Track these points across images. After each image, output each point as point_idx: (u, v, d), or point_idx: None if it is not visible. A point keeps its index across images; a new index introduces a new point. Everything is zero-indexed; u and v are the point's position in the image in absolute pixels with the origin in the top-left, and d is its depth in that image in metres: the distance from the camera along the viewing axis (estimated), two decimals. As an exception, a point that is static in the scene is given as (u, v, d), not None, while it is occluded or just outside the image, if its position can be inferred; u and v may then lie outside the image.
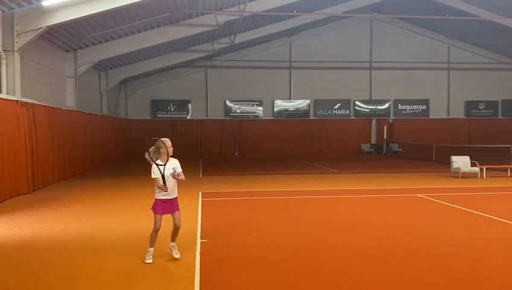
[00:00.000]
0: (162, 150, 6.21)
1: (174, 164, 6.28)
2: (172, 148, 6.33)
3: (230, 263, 6.24)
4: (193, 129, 31.14)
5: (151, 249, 6.27)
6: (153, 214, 6.30)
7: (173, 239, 6.42)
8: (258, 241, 7.47)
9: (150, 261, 6.16)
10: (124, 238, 7.82)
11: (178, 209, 6.34)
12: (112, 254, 6.79)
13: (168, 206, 6.27)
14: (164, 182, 6.13)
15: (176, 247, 6.39)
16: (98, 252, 6.90)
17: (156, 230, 6.25)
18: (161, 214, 6.26)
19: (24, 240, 7.66)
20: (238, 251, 6.82)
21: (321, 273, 5.81)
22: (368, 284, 5.41)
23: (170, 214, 6.31)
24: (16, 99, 12.83)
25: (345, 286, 5.42)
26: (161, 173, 6.14)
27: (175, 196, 6.32)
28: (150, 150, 6.30)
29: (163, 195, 6.23)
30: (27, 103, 13.46)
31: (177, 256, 6.31)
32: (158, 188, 6.21)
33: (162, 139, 6.25)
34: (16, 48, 13.25)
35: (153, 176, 6.22)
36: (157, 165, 6.20)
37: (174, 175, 6.20)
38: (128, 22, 18.15)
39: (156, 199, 6.28)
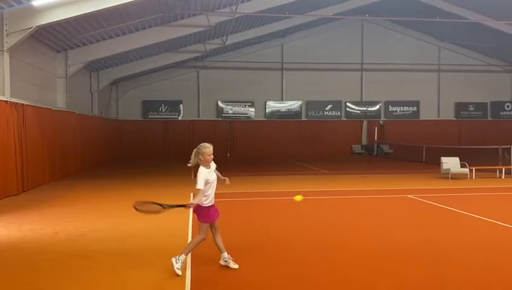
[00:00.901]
0: (201, 157, 5.69)
1: (214, 167, 5.89)
2: (212, 156, 5.77)
3: (228, 254, 6.22)
4: (185, 130, 31.07)
5: (184, 257, 5.77)
6: (198, 222, 5.86)
7: (223, 249, 5.94)
8: (250, 241, 7.48)
9: (180, 272, 5.67)
10: (114, 239, 7.79)
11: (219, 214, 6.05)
12: (102, 255, 6.75)
13: (214, 213, 5.88)
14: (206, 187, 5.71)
15: (230, 257, 5.95)
16: (89, 253, 6.86)
17: (203, 240, 5.81)
18: (213, 221, 5.87)
19: (13, 242, 7.59)
20: (230, 252, 6.81)
21: (313, 274, 5.84)
22: (359, 285, 5.45)
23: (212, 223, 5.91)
24: (5, 99, 12.71)
25: (337, 287, 5.45)
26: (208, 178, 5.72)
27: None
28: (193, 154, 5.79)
29: (209, 202, 5.78)
30: (17, 103, 13.35)
31: (236, 266, 5.89)
32: (197, 201, 5.64)
33: (205, 144, 5.76)
34: (5, 48, 13.14)
35: (200, 186, 5.60)
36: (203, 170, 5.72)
37: (224, 180, 5.94)
38: (119, 22, 18.08)
39: (203, 207, 5.75)
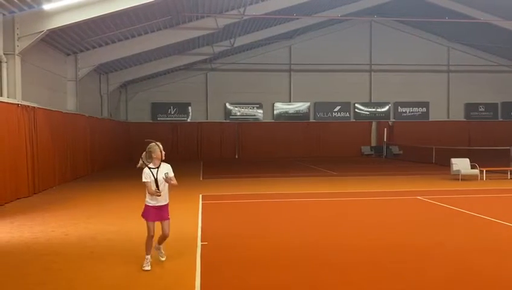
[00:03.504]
0: (153, 155, 6.02)
1: (166, 169, 6.12)
2: (164, 152, 6.13)
3: (231, 266, 6.25)
4: (193, 132, 31.19)
5: (148, 257, 6.13)
6: (144, 221, 6.20)
7: (160, 242, 6.37)
8: (258, 243, 7.48)
9: (149, 267, 6.03)
10: (124, 241, 7.83)
11: (168, 219, 6.23)
12: (113, 257, 6.80)
13: (159, 213, 6.12)
14: (157, 186, 5.98)
15: (161, 248, 6.38)
16: (99, 255, 6.91)
17: (150, 237, 6.13)
18: (153, 221, 6.15)
19: (25, 243, 7.67)
20: (239, 254, 6.83)
21: (321, 276, 5.83)
22: (368, 288, 5.43)
23: (159, 222, 6.18)
24: (16, 102, 12.85)
25: (345, 288, 5.43)
26: (154, 176, 5.97)
27: (166, 203, 6.20)
28: (142, 155, 6.10)
29: (154, 201, 6.07)
30: (28, 106, 13.49)
31: (163, 258, 6.35)
32: (150, 193, 6.04)
33: (152, 143, 6.11)
34: (16, 52, 13.29)
35: (144, 179, 6.02)
36: (149, 168, 6.01)
37: (166, 179, 6.04)
38: (128, 25, 18.22)
39: (146, 205, 6.13)
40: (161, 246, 6.39)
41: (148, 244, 6.13)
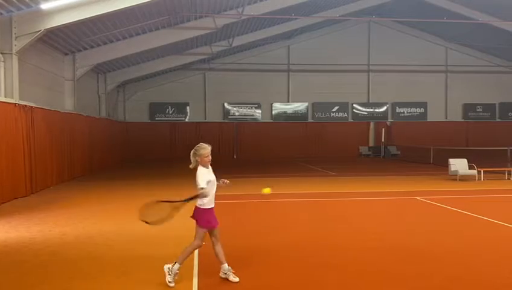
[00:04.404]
0: (198, 158, 5.45)
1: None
2: (210, 158, 5.49)
3: (229, 266, 6.22)
4: (191, 132, 31.11)
5: (179, 267, 5.42)
6: (198, 228, 5.48)
7: (223, 260, 5.51)
8: (257, 243, 7.47)
9: (173, 284, 5.38)
10: (122, 241, 7.82)
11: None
12: (110, 257, 6.78)
13: (215, 218, 5.55)
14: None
15: (231, 269, 5.52)
16: (96, 255, 6.90)
17: (198, 247, 5.46)
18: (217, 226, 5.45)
19: (22, 243, 7.65)
20: (237, 254, 6.82)
21: (320, 276, 5.82)
22: (366, 288, 5.42)
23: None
24: (14, 102, 12.82)
25: (343, 289, 5.43)
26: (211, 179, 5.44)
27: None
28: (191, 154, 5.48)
29: (209, 202, 5.39)
30: (25, 105, 13.46)
31: (236, 279, 5.47)
32: (203, 196, 5.43)
33: (203, 145, 5.50)
34: (14, 51, 13.25)
35: (203, 185, 5.37)
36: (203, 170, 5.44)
37: (224, 182, 5.59)
38: (126, 24, 18.19)
39: (204, 209, 5.44)
40: (229, 267, 5.52)
41: (189, 253, 5.47)
